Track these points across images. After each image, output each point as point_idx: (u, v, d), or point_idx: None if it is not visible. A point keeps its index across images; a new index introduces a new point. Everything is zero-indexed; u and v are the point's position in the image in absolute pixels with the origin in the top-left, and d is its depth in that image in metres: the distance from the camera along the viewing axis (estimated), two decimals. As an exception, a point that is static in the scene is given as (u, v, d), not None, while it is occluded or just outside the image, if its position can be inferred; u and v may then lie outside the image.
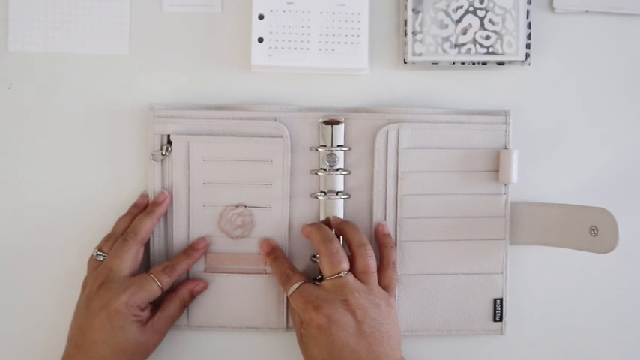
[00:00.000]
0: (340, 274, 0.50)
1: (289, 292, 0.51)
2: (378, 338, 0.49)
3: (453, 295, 0.55)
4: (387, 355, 0.49)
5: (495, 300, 0.55)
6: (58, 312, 0.55)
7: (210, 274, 0.55)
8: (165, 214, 0.55)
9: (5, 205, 0.56)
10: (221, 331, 0.56)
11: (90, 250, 0.55)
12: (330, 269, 0.50)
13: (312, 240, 0.53)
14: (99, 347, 0.49)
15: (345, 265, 0.51)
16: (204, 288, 0.54)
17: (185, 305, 0.54)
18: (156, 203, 0.54)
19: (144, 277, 0.52)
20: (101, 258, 0.53)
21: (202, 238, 0.54)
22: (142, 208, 0.55)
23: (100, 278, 0.51)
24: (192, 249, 0.54)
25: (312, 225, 0.54)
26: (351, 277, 0.50)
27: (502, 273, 0.56)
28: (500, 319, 0.56)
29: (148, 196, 0.55)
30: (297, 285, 0.51)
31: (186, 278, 0.55)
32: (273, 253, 0.54)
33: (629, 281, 0.58)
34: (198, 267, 0.55)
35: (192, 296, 0.54)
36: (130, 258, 0.52)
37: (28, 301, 0.56)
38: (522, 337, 0.57)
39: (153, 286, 0.51)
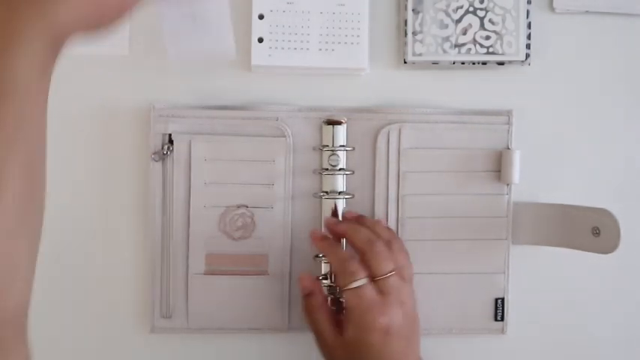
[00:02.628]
0: (392, 273, 0.48)
1: (352, 286, 0.47)
2: (415, 337, 0.49)
3: (454, 294, 0.55)
4: (415, 355, 0.49)
5: (497, 300, 0.55)
6: (51, 312, 0.55)
7: (210, 277, 0.54)
8: (163, 215, 0.54)
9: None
10: (221, 333, 0.55)
11: (88, 249, 0.55)
12: (380, 269, 0.48)
13: (352, 242, 0.51)
14: None
15: (393, 265, 0.49)
16: None
17: None
18: None
19: None
20: None
21: None
22: None
23: None
24: None
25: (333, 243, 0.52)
26: (396, 277, 0.48)
27: (504, 273, 0.55)
28: (502, 319, 0.55)
29: None
30: (363, 281, 0.48)
31: None
32: (327, 240, 0.52)
33: (630, 282, 0.58)
34: (199, 269, 0.54)
35: None
36: None
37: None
38: (523, 337, 0.57)
39: None
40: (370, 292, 0.47)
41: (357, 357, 0.47)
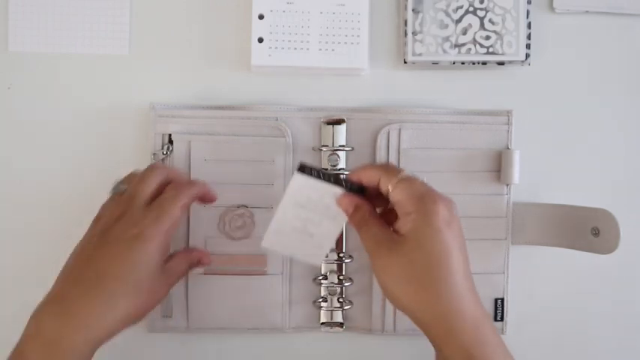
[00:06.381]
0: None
1: (401, 176, 0.44)
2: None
3: (454, 294, 0.55)
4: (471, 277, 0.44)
5: (497, 300, 0.55)
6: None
7: (210, 277, 0.54)
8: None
9: (5, 205, 0.56)
10: (221, 333, 0.55)
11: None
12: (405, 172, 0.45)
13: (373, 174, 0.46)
14: (110, 283, 0.43)
15: None
16: (208, 263, 0.51)
17: (190, 268, 0.50)
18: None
19: (161, 201, 0.46)
20: (123, 188, 0.48)
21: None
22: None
23: (120, 207, 0.46)
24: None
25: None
26: None
27: (503, 273, 0.55)
28: (502, 319, 0.55)
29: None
30: (411, 174, 0.45)
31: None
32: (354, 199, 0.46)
33: (630, 282, 0.58)
34: (198, 269, 0.54)
35: (198, 263, 0.51)
36: (155, 182, 0.47)
37: (26, 301, 0.56)
38: (523, 337, 0.57)
39: (175, 210, 0.46)
40: (421, 182, 0.45)
41: (418, 254, 0.42)
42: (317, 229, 0.48)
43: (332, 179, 0.47)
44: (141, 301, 0.45)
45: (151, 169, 0.49)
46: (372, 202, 0.47)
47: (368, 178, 0.46)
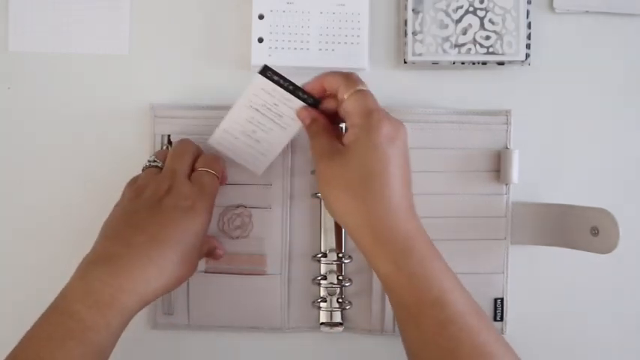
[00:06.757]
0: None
1: (357, 88, 0.45)
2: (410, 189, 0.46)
3: (453, 294, 0.55)
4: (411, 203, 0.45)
5: (496, 300, 0.55)
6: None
7: (211, 275, 0.55)
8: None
9: (5, 205, 0.56)
10: (221, 330, 0.55)
11: (89, 249, 0.55)
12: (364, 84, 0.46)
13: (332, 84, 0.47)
14: (163, 248, 0.44)
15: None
16: (220, 256, 0.54)
17: (204, 256, 0.53)
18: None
19: (201, 178, 0.48)
20: (159, 165, 0.49)
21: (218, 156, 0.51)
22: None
23: (166, 181, 0.47)
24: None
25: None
26: None
27: (503, 273, 0.55)
28: (501, 319, 0.55)
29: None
30: (366, 88, 0.46)
31: None
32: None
33: (629, 282, 0.58)
34: (199, 267, 0.54)
35: (212, 254, 0.53)
36: (189, 159, 0.49)
37: (27, 302, 0.56)
38: (523, 337, 0.56)
39: (216, 186, 0.49)
40: (375, 99, 0.45)
41: (354, 165, 0.44)
42: (265, 136, 0.49)
43: (291, 88, 0.48)
44: (182, 270, 0.45)
45: (184, 144, 0.50)
46: (328, 117, 0.49)
47: (329, 84, 0.47)
